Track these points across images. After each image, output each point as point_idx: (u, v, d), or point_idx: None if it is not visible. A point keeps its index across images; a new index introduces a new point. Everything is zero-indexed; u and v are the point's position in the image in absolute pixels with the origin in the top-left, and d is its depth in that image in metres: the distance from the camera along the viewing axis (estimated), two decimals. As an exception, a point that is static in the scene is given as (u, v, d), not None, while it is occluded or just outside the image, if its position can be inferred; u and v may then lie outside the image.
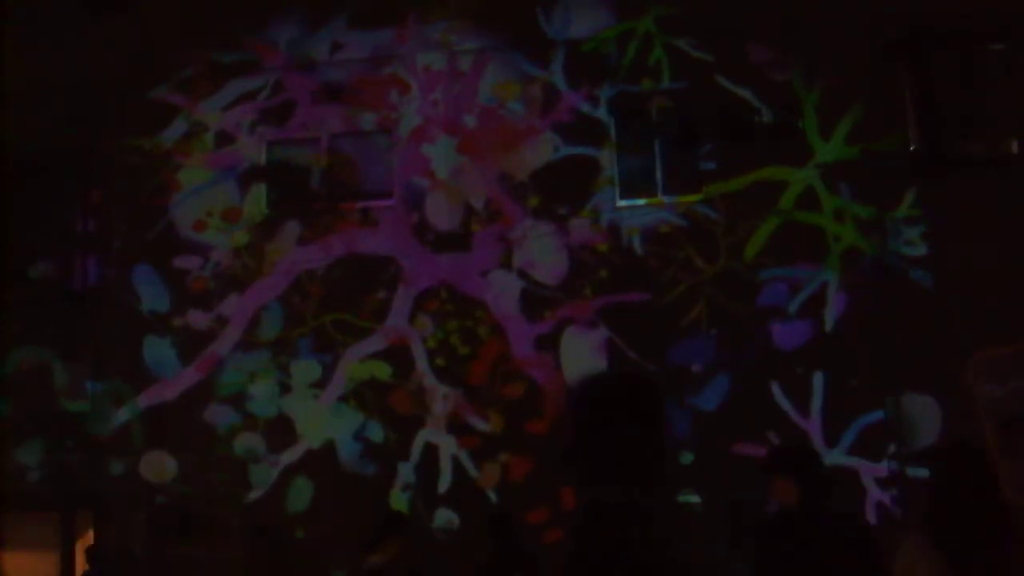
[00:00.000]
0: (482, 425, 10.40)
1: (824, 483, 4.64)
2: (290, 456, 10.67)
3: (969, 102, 10.31)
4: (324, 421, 10.66)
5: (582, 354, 10.41)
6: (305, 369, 10.74)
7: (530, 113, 10.83)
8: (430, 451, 10.46)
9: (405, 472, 10.45)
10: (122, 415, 10.98)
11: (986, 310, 9.84)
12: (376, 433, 10.56)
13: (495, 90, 10.92)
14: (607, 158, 10.70)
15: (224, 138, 11.33)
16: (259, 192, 11.22)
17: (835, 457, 9.91)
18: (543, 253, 10.58)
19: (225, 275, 11.07)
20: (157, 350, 11.05)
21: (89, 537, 10.85)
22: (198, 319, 11.01)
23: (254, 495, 10.65)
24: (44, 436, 10.99)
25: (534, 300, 10.56)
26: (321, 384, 10.72)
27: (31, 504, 10.60)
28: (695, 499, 9.99)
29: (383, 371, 10.66)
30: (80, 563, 10.65)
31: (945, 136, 10.30)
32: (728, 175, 10.40)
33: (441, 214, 10.85)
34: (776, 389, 10.08)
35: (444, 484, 10.37)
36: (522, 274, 10.62)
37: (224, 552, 10.50)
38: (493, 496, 10.26)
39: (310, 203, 11.12)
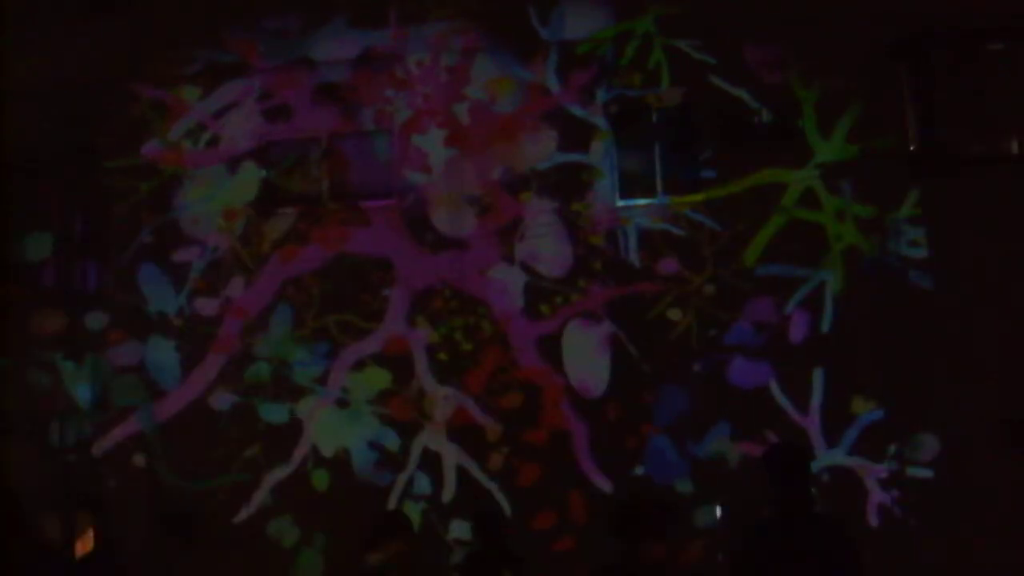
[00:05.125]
0: (488, 423, 10.37)
1: (806, 491, 4.58)
2: (287, 468, 10.66)
3: (969, 102, 10.31)
4: (339, 428, 10.64)
5: (585, 349, 10.40)
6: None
7: (527, 107, 10.82)
8: (432, 457, 10.44)
9: (414, 481, 10.44)
10: (134, 421, 10.97)
11: (986, 310, 9.85)
12: (391, 441, 10.53)
13: (490, 86, 10.91)
14: (606, 158, 10.70)
15: (222, 138, 11.32)
16: (253, 179, 11.19)
17: (835, 457, 9.91)
18: (545, 247, 10.57)
19: (227, 259, 11.05)
20: (160, 353, 11.03)
21: (89, 537, 10.84)
22: (206, 307, 11.00)
23: (254, 505, 10.65)
24: (44, 436, 10.98)
25: (537, 294, 10.55)
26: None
27: (31, 504, 10.58)
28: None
29: (383, 377, 10.65)
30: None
31: (945, 136, 10.30)
32: (728, 177, 10.39)
33: (440, 211, 10.85)
34: (775, 388, 10.08)
35: (449, 492, 10.36)
36: (525, 267, 10.61)
37: (225, 552, 10.50)
38: (504, 502, 10.21)
39: (309, 204, 11.12)
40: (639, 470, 10.13)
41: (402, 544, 5.91)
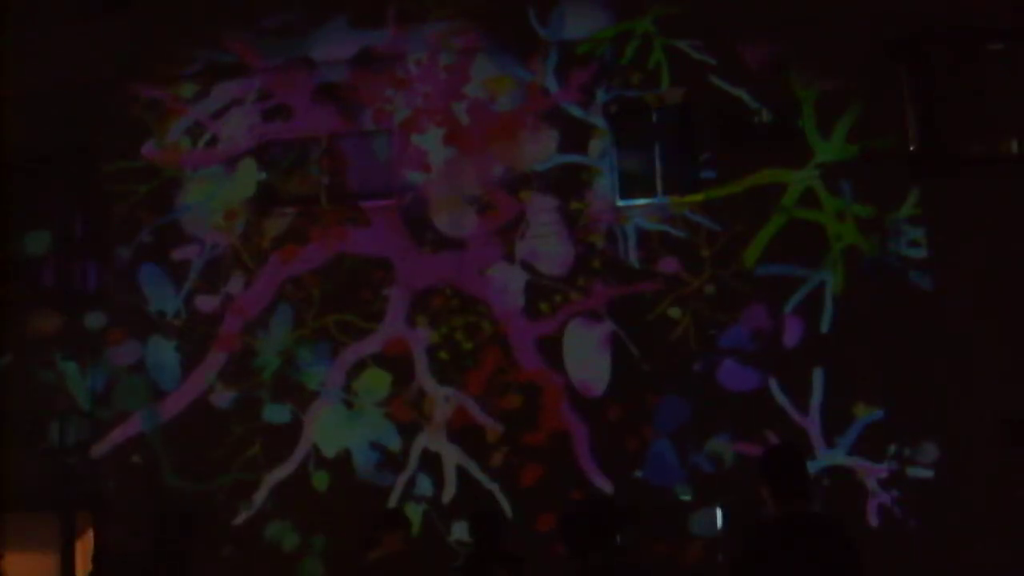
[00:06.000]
0: (489, 424, 10.36)
1: (806, 490, 4.58)
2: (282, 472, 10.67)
3: (969, 102, 10.31)
4: (340, 429, 10.63)
5: (586, 348, 10.40)
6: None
7: (527, 107, 10.81)
8: (433, 458, 10.43)
9: (415, 482, 10.44)
10: (135, 422, 10.96)
11: (986, 310, 9.85)
12: (392, 442, 10.52)
13: (489, 84, 10.91)
14: (606, 158, 10.69)
15: (222, 138, 11.31)
16: (253, 178, 11.18)
17: (835, 458, 9.90)
18: (546, 246, 10.57)
19: (227, 259, 11.04)
20: (161, 353, 11.02)
21: (89, 537, 10.85)
22: (206, 304, 10.99)
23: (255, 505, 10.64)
24: (44, 436, 10.98)
25: (538, 293, 10.54)
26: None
27: (31, 504, 10.60)
28: (687, 497, 10.01)
29: (383, 377, 10.65)
30: (81, 564, 10.66)
31: (945, 136, 10.30)
32: (728, 178, 10.38)
33: (440, 211, 10.84)
34: (775, 389, 10.08)
35: (449, 493, 10.36)
36: (525, 266, 10.60)
37: (225, 551, 10.50)
38: (505, 504, 10.19)
39: (309, 204, 11.12)
40: (638, 474, 10.12)
41: (400, 540, 5.90)
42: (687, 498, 10.01)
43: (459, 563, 8.62)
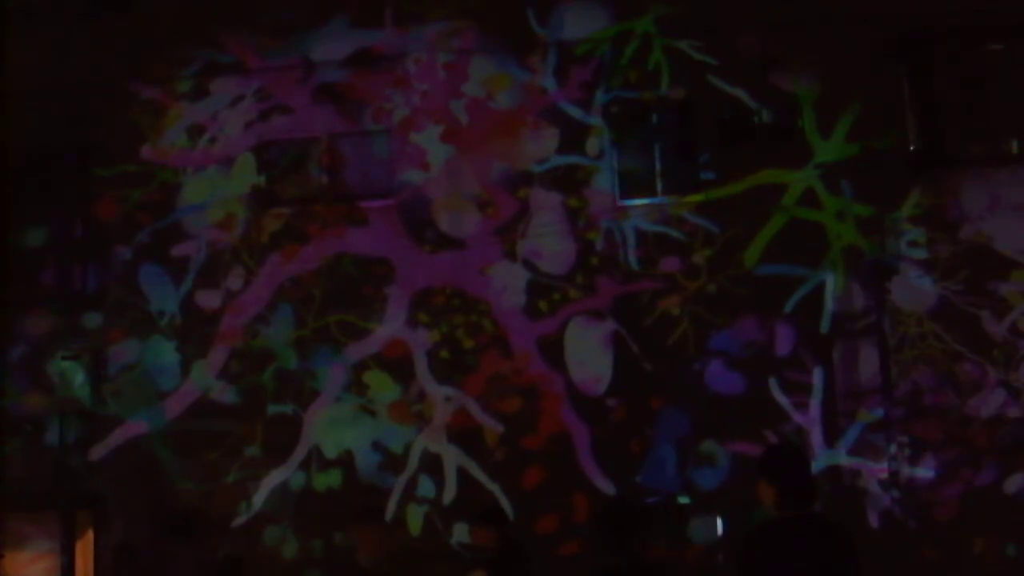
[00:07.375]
0: (489, 424, 10.35)
1: (810, 491, 4.59)
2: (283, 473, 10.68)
3: (969, 102, 10.31)
4: (340, 430, 10.63)
5: (587, 347, 10.39)
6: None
7: (525, 107, 10.80)
8: (434, 459, 10.43)
9: (417, 483, 10.45)
10: (137, 422, 10.96)
11: (985, 309, 9.86)
12: (393, 442, 10.51)
13: (488, 83, 10.88)
14: (606, 158, 10.68)
15: (221, 138, 11.29)
16: (252, 178, 11.17)
17: (835, 457, 9.90)
18: (547, 245, 10.56)
19: (227, 258, 11.03)
20: (161, 352, 11.01)
21: (89, 537, 10.87)
22: (207, 299, 10.98)
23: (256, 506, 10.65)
24: (45, 436, 10.98)
25: (540, 292, 10.53)
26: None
27: (31, 504, 10.59)
28: (687, 500, 10.01)
29: (384, 377, 10.64)
30: (82, 564, 10.68)
31: (945, 136, 10.30)
32: (728, 178, 10.36)
33: (440, 210, 10.83)
34: (775, 388, 10.07)
35: (450, 494, 10.37)
36: (527, 265, 10.59)
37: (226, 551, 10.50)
38: (507, 506, 10.13)
39: (308, 203, 11.10)
40: (638, 478, 10.12)
41: (380, 538, 5.85)
42: (687, 500, 10.01)
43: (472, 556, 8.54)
